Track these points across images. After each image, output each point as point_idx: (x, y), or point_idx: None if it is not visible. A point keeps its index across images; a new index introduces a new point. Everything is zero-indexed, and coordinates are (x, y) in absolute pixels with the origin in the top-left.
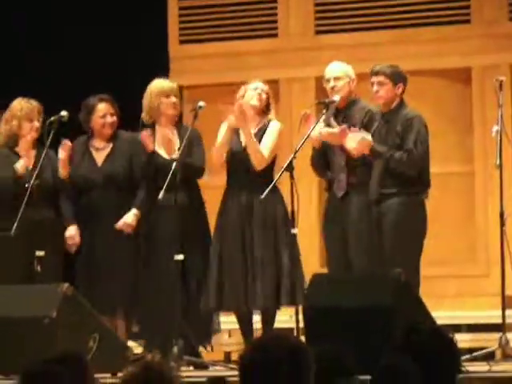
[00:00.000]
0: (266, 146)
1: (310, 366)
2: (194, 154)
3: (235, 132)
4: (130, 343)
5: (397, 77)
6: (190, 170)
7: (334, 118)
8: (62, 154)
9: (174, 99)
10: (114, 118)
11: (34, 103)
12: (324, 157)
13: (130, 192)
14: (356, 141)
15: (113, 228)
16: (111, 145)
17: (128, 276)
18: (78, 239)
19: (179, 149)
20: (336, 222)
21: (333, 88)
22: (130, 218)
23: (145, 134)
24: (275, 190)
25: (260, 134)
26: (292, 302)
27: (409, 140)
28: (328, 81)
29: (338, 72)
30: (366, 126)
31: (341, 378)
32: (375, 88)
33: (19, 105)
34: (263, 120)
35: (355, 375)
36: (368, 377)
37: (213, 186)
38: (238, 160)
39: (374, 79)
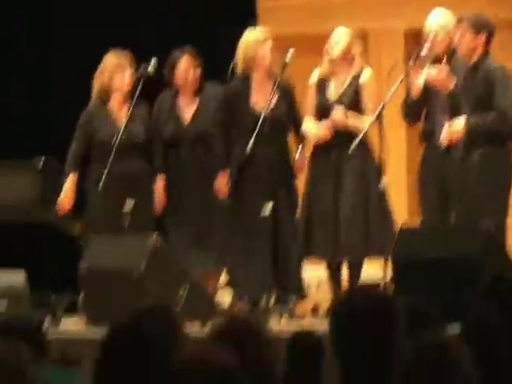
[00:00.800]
0: (370, 107)
1: (398, 317)
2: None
3: (322, 84)
4: (219, 295)
5: (479, 25)
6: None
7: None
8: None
9: (270, 48)
10: (198, 70)
11: (125, 54)
12: (421, 106)
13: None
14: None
15: (200, 184)
16: (197, 101)
17: (217, 230)
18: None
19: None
20: (436, 173)
21: (433, 38)
22: None
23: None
24: (364, 141)
25: (355, 83)
26: (381, 252)
27: (497, 98)
28: (428, 31)
29: (438, 22)
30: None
31: (427, 328)
32: (456, 37)
33: (110, 57)
34: (352, 68)
35: (441, 325)
36: (455, 326)
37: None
38: (325, 113)
39: (456, 28)
